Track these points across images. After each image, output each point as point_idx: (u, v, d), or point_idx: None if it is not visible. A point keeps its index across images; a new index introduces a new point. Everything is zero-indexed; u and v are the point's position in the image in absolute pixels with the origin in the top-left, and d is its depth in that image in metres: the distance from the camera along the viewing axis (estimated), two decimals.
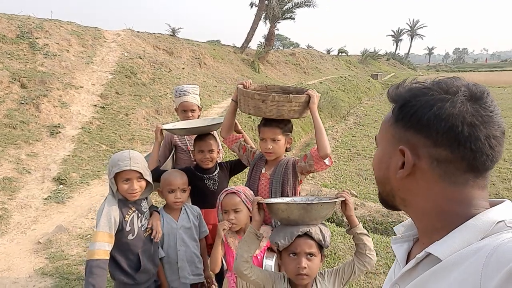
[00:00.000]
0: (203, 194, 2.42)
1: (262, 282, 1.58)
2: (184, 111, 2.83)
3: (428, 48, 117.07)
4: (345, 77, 22.64)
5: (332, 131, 10.95)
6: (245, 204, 1.94)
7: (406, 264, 0.74)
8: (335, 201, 1.54)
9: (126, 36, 13.23)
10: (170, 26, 17.13)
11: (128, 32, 13.83)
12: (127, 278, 1.98)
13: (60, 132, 6.77)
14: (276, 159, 2.16)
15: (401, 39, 72.77)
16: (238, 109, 2.27)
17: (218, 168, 2.50)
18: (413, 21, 75.81)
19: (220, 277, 2.38)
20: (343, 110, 15.09)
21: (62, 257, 3.63)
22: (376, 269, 3.37)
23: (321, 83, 18.53)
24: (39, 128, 6.70)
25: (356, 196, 5.94)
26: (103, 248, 1.83)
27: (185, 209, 2.30)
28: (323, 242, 1.51)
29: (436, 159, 0.65)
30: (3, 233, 4.03)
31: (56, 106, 7.51)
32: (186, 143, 2.85)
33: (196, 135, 2.53)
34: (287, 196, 2.03)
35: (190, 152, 2.77)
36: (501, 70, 45.10)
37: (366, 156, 8.52)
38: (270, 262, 1.87)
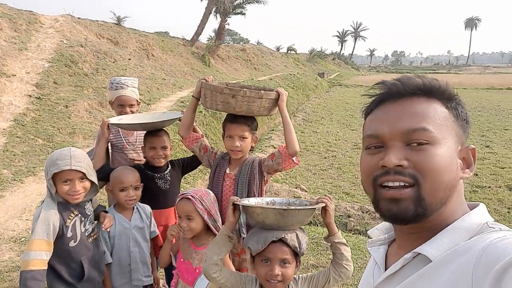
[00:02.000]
0: (153, 194, 2.29)
1: (231, 285, 1.52)
2: (121, 105, 2.63)
3: (370, 49, 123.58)
4: (294, 74, 23.14)
5: (281, 127, 11.14)
6: (199, 213, 1.79)
7: (386, 267, 0.72)
8: (315, 207, 1.48)
9: (65, 22, 12.30)
10: (115, 14, 16.21)
11: (68, 18, 12.88)
12: None
13: None
14: (241, 158, 2.10)
15: (345, 40, 76.21)
16: (200, 105, 2.17)
17: (169, 167, 2.37)
18: (356, 23, 79.64)
19: (168, 271, 2.32)
20: (292, 107, 15.42)
21: None
22: (327, 263, 3.47)
23: (271, 79, 18.75)
24: None
25: (306, 191, 6.09)
26: (40, 257, 1.65)
27: (137, 208, 2.17)
28: (298, 249, 1.45)
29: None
30: None
31: None
32: (122, 140, 2.62)
33: (145, 131, 2.37)
34: (255, 196, 1.97)
35: (125, 151, 2.59)
36: (434, 73, 49.00)
37: (314, 152, 8.76)
38: None
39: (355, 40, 79.17)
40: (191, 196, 1.81)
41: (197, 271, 1.80)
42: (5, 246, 3.58)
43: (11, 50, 8.90)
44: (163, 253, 2.04)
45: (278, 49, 37.02)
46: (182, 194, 1.86)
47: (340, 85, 27.21)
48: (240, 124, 2.03)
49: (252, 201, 1.65)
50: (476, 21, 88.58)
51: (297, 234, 1.47)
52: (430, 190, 0.63)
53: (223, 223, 1.75)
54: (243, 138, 2.04)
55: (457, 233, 0.63)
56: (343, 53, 70.45)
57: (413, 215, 0.64)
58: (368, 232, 0.85)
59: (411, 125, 0.64)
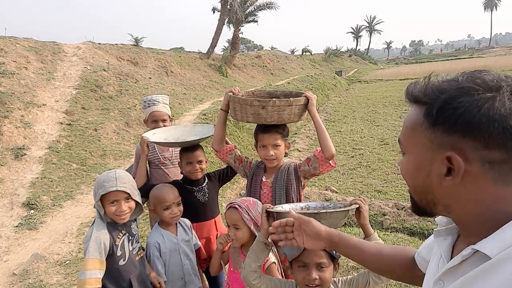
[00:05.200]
0: (193, 207, 2.34)
1: None
2: (154, 121, 2.72)
3: (386, 42, 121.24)
4: (311, 75, 23.01)
5: (305, 129, 11.06)
6: (245, 222, 1.81)
7: (451, 259, 0.71)
8: (348, 209, 1.48)
9: (87, 49, 12.79)
10: (132, 36, 16.71)
11: (89, 45, 13.39)
12: None
13: (25, 154, 6.42)
14: (276, 165, 2.11)
15: (360, 35, 75.16)
16: (230, 118, 2.20)
17: (206, 179, 2.43)
18: (370, 17, 78.52)
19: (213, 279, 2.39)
20: None
21: (42, 287, 3.42)
22: None
23: (289, 83, 18.73)
24: (3, 151, 6.32)
25: (337, 192, 6.02)
26: (94, 276, 1.72)
27: (179, 222, 2.24)
28: (334, 252, 1.44)
29: (489, 161, 0.62)
30: None
31: (19, 127, 7.12)
32: (159, 156, 2.72)
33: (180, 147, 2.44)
34: (293, 202, 1.97)
35: (161, 166, 2.69)
36: (456, 59, 47.45)
37: (340, 152, 8.65)
38: None
39: (371, 34, 78.01)
40: (238, 205, 1.84)
41: None
42: (52, 270, 3.74)
43: (39, 81, 9.34)
44: (214, 262, 2.12)
45: (293, 52, 37.02)
46: (230, 204, 1.89)
47: (359, 81, 26.80)
48: (272, 133, 2.04)
49: (285, 207, 1.65)
50: (495, 1, 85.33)
51: None
52: (411, 191, 0.76)
53: None
54: (277, 146, 2.05)
55: None
56: (359, 49, 69.54)
57: (415, 210, 0.78)
58: (435, 219, 0.81)
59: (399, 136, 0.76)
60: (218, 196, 2.59)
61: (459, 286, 0.65)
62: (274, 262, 1.78)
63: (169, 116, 2.81)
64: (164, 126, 2.74)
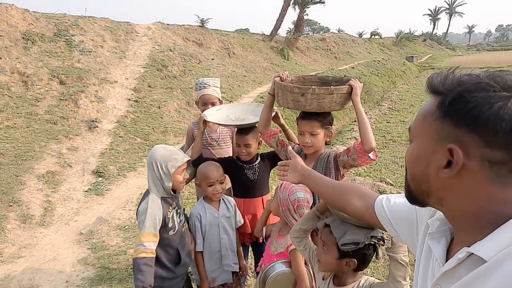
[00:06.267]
0: (243, 183, 2.48)
1: (306, 256, 1.68)
2: (204, 104, 2.82)
3: (468, 26, 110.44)
4: (379, 60, 21.84)
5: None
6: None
7: (446, 262, 0.70)
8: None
9: (156, 29, 13.43)
10: (199, 17, 17.17)
11: (159, 25, 14.04)
12: (167, 272, 2.05)
13: (97, 127, 7.03)
14: (316, 153, 2.09)
15: (438, 18, 69.15)
16: (275, 102, 2.21)
17: (259, 159, 2.53)
18: None
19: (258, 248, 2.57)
20: (377, 95, 14.61)
21: (103, 247, 3.79)
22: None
23: (353, 68, 18.00)
24: (78, 123, 6.99)
25: (392, 185, 5.75)
26: (149, 247, 1.90)
27: (223, 199, 2.36)
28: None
29: (489, 160, 0.61)
30: (48, 225, 4.26)
31: (93, 101, 7.79)
32: (207, 137, 2.84)
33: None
34: None
35: (208, 147, 2.82)
36: None
37: (401, 143, 8.21)
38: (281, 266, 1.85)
39: (450, 17, 71.40)
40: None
41: (273, 257, 1.90)
42: (113, 233, 4.11)
43: (113, 59, 10.06)
44: (259, 222, 2.27)
45: (360, 35, 35.27)
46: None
47: (433, 68, 24.82)
48: (310, 120, 2.02)
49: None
50: None
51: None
52: (409, 178, 0.77)
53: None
54: (314, 134, 2.02)
55: None
56: (436, 33, 64.20)
57: (408, 196, 0.78)
58: (427, 222, 0.80)
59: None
60: (269, 178, 2.65)
61: None
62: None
63: (219, 99, 2.88)
64: None
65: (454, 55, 40.59)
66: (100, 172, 5.53)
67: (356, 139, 2.29)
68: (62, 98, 7.47)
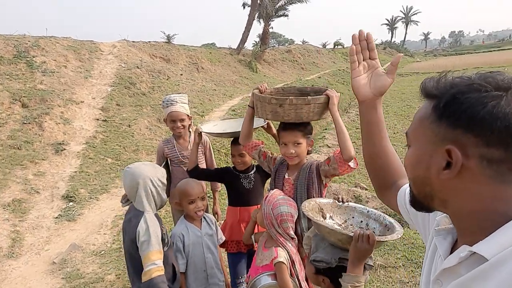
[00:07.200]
0: (239, 192, 2.54)
1: None
2: (172, 121, 2.81)
3: (424, 33, 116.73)
4: (343, 69, 22.55)
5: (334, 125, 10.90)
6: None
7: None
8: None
9: (122, 47, 13.22)
10: (164, 33, 17.17)
11: (124, 43, 13.82)
12: None
13: (65, 149, 6.76)
14: (299, 163, 2.11)
15: (396, 27, 72.66)
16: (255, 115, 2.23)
17: (255, 169, 2.60)
18: (406, 8, 75.54)
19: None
20: (344, 103, 15.02)
21: (78, 276, 3.61)
22: (395, 262, 3.33)
23: (319, 77, 18.49)
24: (44, 146, 6.70)
25: (366, 189, 5.89)
26: (160, 264, 1.88)
27: (204, 217, 2.33)
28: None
29: (487, 159, 0.62)
30: (17, 256, 4.02)
31: (59, 123, 7.51)
32: (178, 155, 2.85)
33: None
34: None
35: (181, 165, 2.85)
36: (499, 50, 44.72)
37: None
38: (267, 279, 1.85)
39: (407, 26, 75.19)
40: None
41: (259, 270, 1.90)
42: (88, 260, 3.94)
43: (78, 79, 9.77)
44: (246, 232, 2.31)
45: (324, 45, 36.38)
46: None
47: None
48: (293, 131, 2.04)
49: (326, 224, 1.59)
50: None
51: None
52: (411, 183, 0.78)
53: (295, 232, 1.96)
54: (298, 144, 2.04)
55: None
56: (394, 41, 67.30)
57: (412, 202, 0.78)
58: (436, 219, 0.81)
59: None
60: (264, 188, 2.71)
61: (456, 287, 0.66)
62: (283, 262, 1.82)
63: (188, 115, 2.87)
64: (183, 125, 2.84)
65: (413, 61, 42.57)
66: (71, 197, 5.31)
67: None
68: (25, 121, 7.15)
